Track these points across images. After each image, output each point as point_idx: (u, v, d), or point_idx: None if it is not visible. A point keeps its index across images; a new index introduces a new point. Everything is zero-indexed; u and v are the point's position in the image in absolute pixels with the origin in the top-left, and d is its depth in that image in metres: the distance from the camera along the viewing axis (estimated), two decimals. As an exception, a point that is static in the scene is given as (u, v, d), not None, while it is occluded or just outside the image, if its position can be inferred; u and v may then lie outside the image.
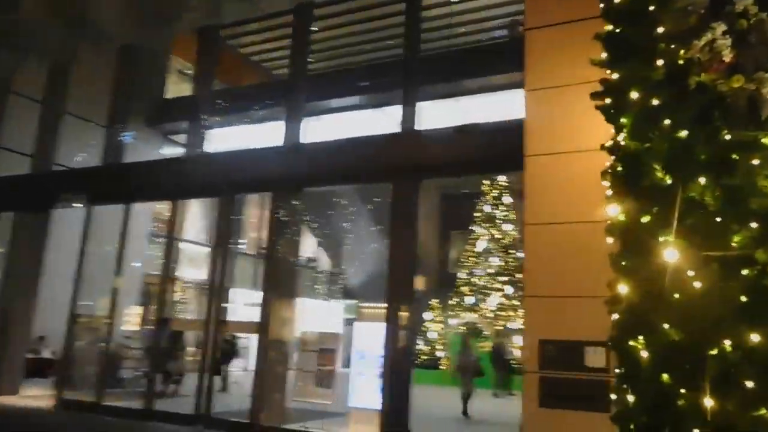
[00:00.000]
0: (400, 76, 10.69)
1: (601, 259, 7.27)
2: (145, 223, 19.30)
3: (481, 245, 26.39)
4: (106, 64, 16.85)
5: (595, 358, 7.19)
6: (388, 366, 9.51)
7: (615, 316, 3.74)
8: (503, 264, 25.88)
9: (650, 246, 2.55)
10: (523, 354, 7.68)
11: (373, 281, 28.03)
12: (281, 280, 11.29)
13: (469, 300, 25.41)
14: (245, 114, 14.56)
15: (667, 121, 2.61)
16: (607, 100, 3.62)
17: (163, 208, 24.04)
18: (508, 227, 26.73)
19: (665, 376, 2.57)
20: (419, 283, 19.67)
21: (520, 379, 11.03)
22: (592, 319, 7.16)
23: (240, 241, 28.46)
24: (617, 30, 2.98)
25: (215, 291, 11.65)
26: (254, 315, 28.35)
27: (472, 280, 25.79)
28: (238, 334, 18.42)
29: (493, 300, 25.13)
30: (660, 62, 2.64)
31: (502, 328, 24.32)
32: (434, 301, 26.69)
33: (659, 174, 2.64)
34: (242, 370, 18.11)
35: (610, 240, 2.99)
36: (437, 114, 13.23)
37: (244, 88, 17.03)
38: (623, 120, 2.87)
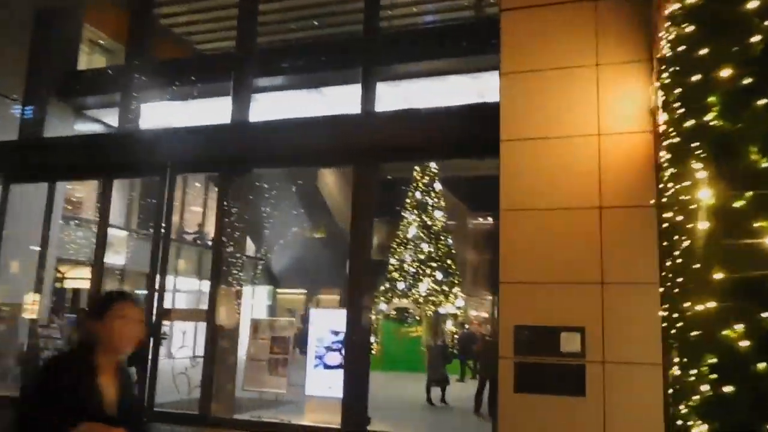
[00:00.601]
0: (359, 55, 10.36)
1: (576, 246, 7.37)
2: (60, 205, 18.10)
3: (411, 231, 26.42)
4: (16, 34, 15.52)
5: (571, 342, 7.22)
6: (348, 353, 9.25)
7: (663, 310, 3.57)
8: (433, 250, 26.03)
9: (749, 231, 2.39)
10: (498, 340, 7.58)
11: (313, 268, 27.60)
12: (217, 266, 10.76)
13: (401, 285, 25.42)
14: (184, 89, 13.79)
15: (762, 101, 2.45)
16: (664, 79, 3.48)
17: (81, 188, 22.72)
18: (438, 214, 26.89)
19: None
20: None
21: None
22: (568, 305, 7.24)
23: (172, 225, 27.33)
24: (700, 4, 2.80)
25: (148, 277, 10.92)
26: (189, 302, 27.32)
27: (403, 266, 25.80)
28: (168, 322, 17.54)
29: (424, 286, 25.25)
30: (756, 38, 2.48)
31: (432, 312, 24.49)
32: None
33: (754, 156, 2.49)
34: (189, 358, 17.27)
35: (705, 224, 2.82)
36: (397, 96, 13.09)
37: (182, 62, 16.16)
38: (711, 99, 2.70)
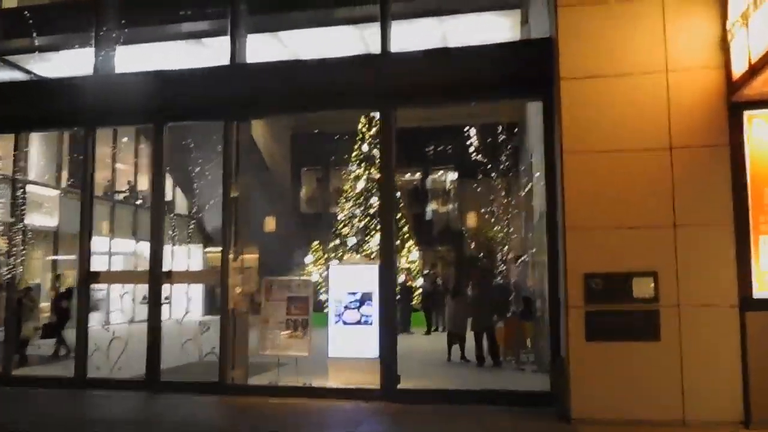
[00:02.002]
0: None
1: (646, 188, 7.08)
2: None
3: (360, 185, 25.80)
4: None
5: (644, 287, 7.02)
6: (382, 312, 8.72)
7: None
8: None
9: None
10: (563, 289, 7.27)
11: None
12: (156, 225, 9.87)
13: (352, 241, 24.88)
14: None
15: None
16: None
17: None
18: (386, 167, 26.30)
19: None
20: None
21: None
22: (639, 249, 6.99)
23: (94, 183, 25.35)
24: None
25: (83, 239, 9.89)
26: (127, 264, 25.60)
27: (353, 221, 25.24)
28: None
29: (375, 240, 24.79)
30: None
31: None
32: (314, 244, 25.81)
33: None
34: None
35: None
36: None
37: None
38: None
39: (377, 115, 25.63)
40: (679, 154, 7.04)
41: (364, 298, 9.33)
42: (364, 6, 11.38)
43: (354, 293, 9.38)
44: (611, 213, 7.16)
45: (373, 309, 9.27)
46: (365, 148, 26.39)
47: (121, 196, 26.70)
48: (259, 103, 9.57)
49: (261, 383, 9.26)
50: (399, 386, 8.53)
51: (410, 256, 25.05)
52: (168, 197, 30.08)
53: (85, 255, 9.87)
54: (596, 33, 7.38)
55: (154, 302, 9.48)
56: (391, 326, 8.68)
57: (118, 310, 24.89)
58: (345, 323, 9.38)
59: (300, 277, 11.22)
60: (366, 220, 25.28)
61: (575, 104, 7.34)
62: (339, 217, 26.01)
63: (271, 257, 12.24)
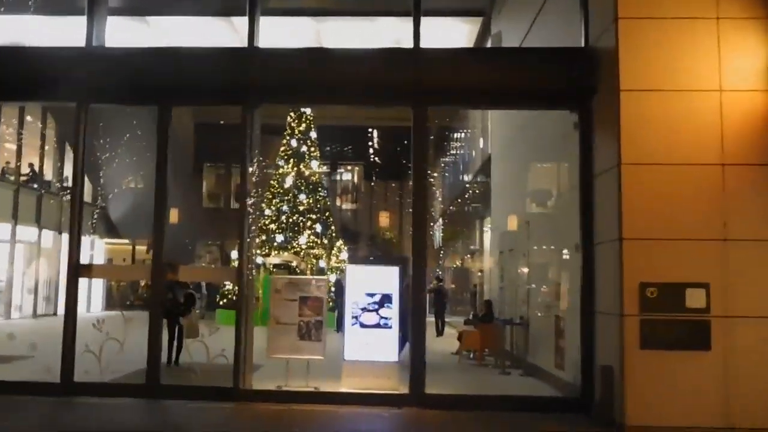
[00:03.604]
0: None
1: (698, 202, 7.33)
2: None
3: (288, 181, 25.11)
4: None
5: (696, 298, 7.23)
6: (414, 314, 8.43)
7: None
8: (311, 201, 25.03)
9: None
10: (618, 298, 7.34)
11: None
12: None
13: (280, 238, 24.13)
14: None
15: None
16: None
17: None
18: (314, 164, 25.84)
19: None
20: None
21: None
22: (692, 261, 7.21)
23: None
24: None
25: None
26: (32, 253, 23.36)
27: (281, 218, 24.51)
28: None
29: (303, 238, 24.26)
30: None
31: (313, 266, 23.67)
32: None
33: None
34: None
35: None
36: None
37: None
38: None
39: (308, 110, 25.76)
40: (731, 170, 7.32)
41: (383, 301, 8.98)
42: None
43: (372, 295, 8.99)
44: (666, 225, 7.33)
45: (392, 311, 8.95)
46: (294, 143, 25.73)
47: (23, 179, 24.33)
48: (279, 90, 8.98)
49: (281, 389, 8.64)
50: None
51: (341, 255, 24.69)
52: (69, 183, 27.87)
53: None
54: (655, 46, 7.54)
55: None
56: (421, 330, 8.44)
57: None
58: (363, 326, 8.97)
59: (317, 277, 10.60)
60: (296, 217, 24.61)
61: (634, 116, 7.45)
62: (266, 213, 25.12)
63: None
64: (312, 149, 26.21)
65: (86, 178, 30.11)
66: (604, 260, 7.94)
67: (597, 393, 7.90)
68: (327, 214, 25.74)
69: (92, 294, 27.78)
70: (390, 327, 8.95)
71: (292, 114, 26.00)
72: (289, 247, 24.19)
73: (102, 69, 8.81)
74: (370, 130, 42.07)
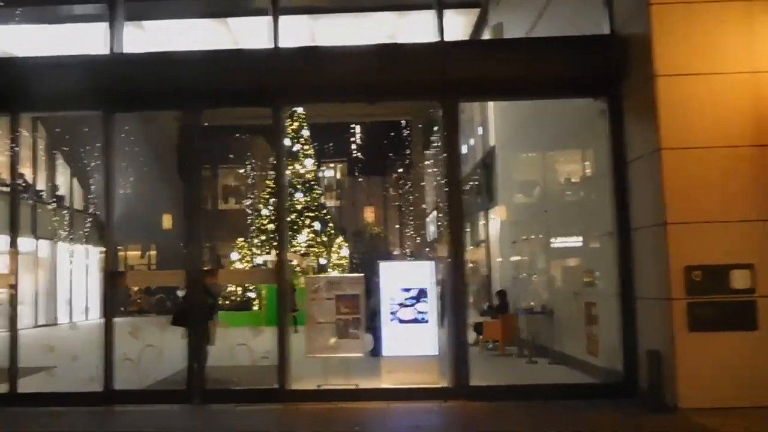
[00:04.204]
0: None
1: (739, 183, 7.41)
2: None
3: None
4: None
5: (741, 279, 7.32)
6: (454, 308, 8.44)
7: None
8: (308, 199, 24.93)
9: None
10: (664, 282, 7.40)
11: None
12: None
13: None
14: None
15: None
16: None
17: None
18: (309, 162, 25.72)
19: None
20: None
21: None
22: (735, 243, 7.30)
23: None
24: None
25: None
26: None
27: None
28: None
29: (303, 237, 24.17)
30: None
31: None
32: (239, 240, 24.65)
33: None
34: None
35: None
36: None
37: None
38: None
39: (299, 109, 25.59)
40: (770, 151, 7.41)
41: (420, 295, 8.97)
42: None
43: (408, 290, 8.97)
44: (708, 208, 7.41)
45: (428, 306, 8.94)
46: (287, 142, 25.56)
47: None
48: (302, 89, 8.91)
49: (321, 388, 8.60)
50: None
51: (342, 252, 24.64)
52: (62, 192, 27.48)
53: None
54: (688, 31, 7.59)
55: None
56: (463, 323, 8.45)
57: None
58: (400, 321, 8.96)
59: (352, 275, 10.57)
60: (294, 216, 24.47)
61: (672, 101, 7.51)
62: (263, 213, 24.97)
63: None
64: (305, 147, 26.09)
65: (78, 186, 29.61)
66: (642, 245, 8.00)
67: (640, 377, 7.97)
68: (324, 211, 25.68)
69: (89, 303, 27.55)
70: (427, 321, 8.93)
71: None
72: (289, 246, 24.06)
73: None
74: (351, 126, 42.06)
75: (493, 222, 17.33)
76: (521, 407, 7.86)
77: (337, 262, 24.03)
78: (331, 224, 25.79)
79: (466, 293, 8.67)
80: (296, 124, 26.03)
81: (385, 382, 8.82)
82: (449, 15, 17.00)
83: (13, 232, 8.91)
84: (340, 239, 25.14)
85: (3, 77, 8.86)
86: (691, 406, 7.12)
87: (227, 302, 22.92)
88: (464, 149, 22.98)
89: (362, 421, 7.39)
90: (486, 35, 15.82)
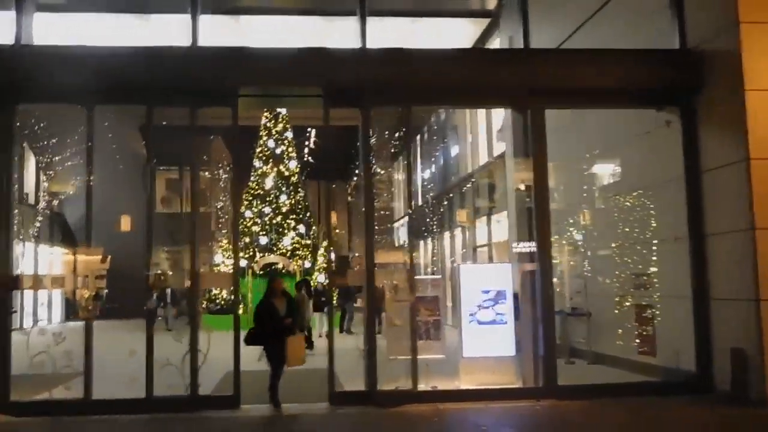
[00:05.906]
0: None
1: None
2: None
3: (268, 183, 24.71)
4: None
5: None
6: (544, 308, 8.66)
7: None
8: (292, 202, 24.72)
9: None
10: (752, 283, 7.84)
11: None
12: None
13: (264, 240, 23.73)
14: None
15: None
16: None
17: None
18: (293, 164, 25.52)
19: None
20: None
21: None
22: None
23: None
24: None
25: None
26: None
27: (264, 219, 24.08)
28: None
29: (288, 239, 23.96)
30: None
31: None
32: (224, 242, 24.12)
33: None
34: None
35: None
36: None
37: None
38: None
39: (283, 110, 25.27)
40: None
41: (498, 297, 9.14)
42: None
43: (487, 291, 9.14)
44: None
45: (506, 307, 9.14)
46: (271, 143, 25.25)
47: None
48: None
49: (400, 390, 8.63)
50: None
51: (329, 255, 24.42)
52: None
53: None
54: (772, 50, 8.10)
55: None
56: (551, 324, 8.70)
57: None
58: (480, 323, 9.11)
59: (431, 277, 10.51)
60: (280, 218, 24.15)
61: (759, 113, 7.98)
62: (247, 215, 24.55)
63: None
64: (289, 149, 25.84)
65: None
66: (721, 250, 8.44)
67: (716, 374, 8.40)
68: (308, 214, 25.49)
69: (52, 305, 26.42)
70: (505, 323, 9.11)
71: (267, 114, 25.58)
72: (275, 249, 23.81)
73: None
74: (309, 129, 41.72)
75: (499, 223, 17.58)
76: (607, 404, 8.13)
77: (324, 265, 23.85)
78: (315, 227, 25.63)
79: (553, 297, 8.87)
80: (280, 125, 25.73)
81: (465, 383, 8.94)
82: (458, 23, 17.44)
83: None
84: (326, 242, 24.94)
85: None
86: (783, 401, 7.58)
87: (211, 305, 22.50)
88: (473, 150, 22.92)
89: (479, 421, 7.49)
90: (496, 44, 16.15)
